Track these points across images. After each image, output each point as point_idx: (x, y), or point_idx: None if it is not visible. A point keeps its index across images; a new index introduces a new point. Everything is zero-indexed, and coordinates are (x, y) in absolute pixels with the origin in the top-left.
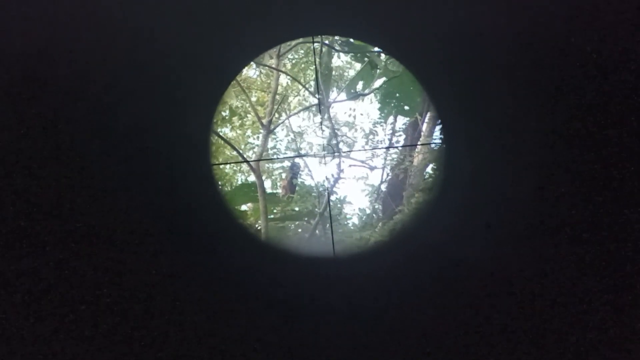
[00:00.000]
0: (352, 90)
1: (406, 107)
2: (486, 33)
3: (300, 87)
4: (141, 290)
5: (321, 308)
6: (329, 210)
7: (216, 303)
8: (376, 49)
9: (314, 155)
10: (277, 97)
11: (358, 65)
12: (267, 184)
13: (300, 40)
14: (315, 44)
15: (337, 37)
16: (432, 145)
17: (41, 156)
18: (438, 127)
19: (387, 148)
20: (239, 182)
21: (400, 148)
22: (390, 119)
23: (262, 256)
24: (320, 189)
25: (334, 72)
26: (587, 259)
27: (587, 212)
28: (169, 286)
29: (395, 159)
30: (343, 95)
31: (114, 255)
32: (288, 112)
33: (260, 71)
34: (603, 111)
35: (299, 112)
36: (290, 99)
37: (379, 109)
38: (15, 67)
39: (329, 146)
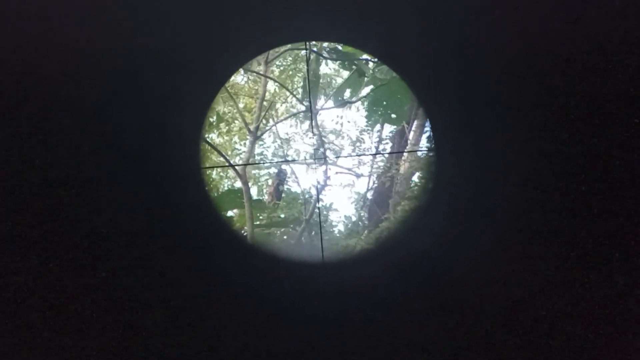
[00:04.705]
0: (339, 98)
1: (393, 115)
2: (478, 41)
3: (287, 93)
4: (130, 292)
5: (310, 312)
6: (319, 215)
7: (206, 306)
8: (364, 56)
9: (301, 162)
10: (265, 103)
11: (346, 73)
12: (254, 191)
13: (289, 46)
14: (303, 51)
15: (325, 45)
16: (420, 153)
17: (30, 159)
18: (425, 136)
19: (374, 155)
20: (226, 188)
21: (386, 156)
22: (377, 126)
23: (252, 260)
24: (307, 195)
25: (321, 80)
26: (577, 266)
27: (577, 219)
28: (158, 288)
29: (381, 167)
30: (330, 103)
31: (103, 257)
32: (275, 119)
33: (248, 77)
34: (594, 119)
35: (286, 118)
36: (278, 105)
37: (366, 116)
38: (6, 68)
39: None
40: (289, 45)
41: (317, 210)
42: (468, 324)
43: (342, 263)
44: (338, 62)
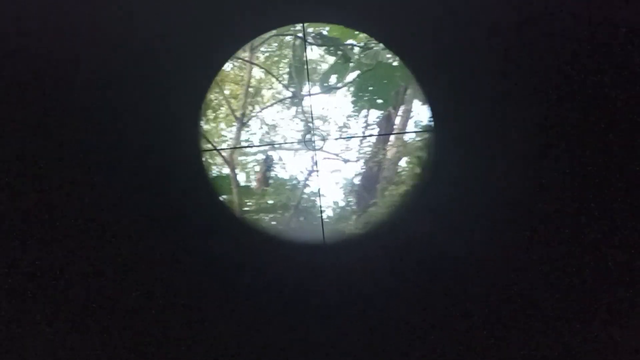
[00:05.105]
0: (325, 84)
1: (379, 101)
2: (479, 22)
3: (273, 79)
4: (132, 277)
5: (310, 295)
6: (319, 195)
7: (208, 291)
8: (350, 41)
9: (289, 148)
10: (251, 89)
11: (331, 59)
12: (241, 177)
13: (274, 32)
14: (288, 37)
15: (310, 30)
16: (407, 139)
17: (30, 149)
18: (412, 120)
19: (363, 137)
20: (213, 175)
21: (373, 141)
22: (364, 112)
23: (254, 243)
24: (294, 181)
25: (307, 65)
26: (576, 252)
27: (577, 205)
28: (160, 272)
29: (368, 152)
30: (316, 89)
31: (104, 244)
32: (261, 105)
33: (234, 64)
34: (595, 104)
35: (272, 105)
36: (264, 91)
37: (353, 102)
38: (2, 63)
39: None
40: (274, 31)
41: (304, 196)
42: (467, 306)
43: (345, 243)
44: (323, 47)
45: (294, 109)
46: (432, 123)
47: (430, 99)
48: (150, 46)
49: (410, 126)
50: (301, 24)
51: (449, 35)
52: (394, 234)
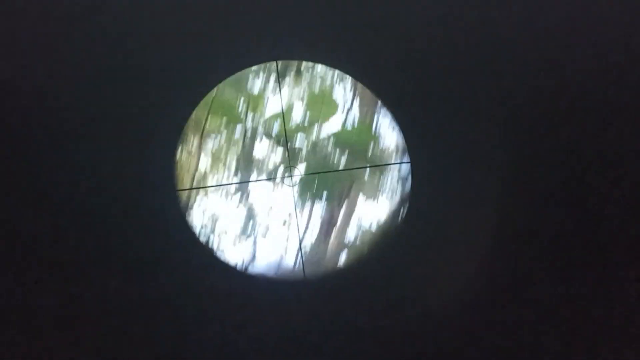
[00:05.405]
0: (272, 176)
1: (324, 197)
2: (453, 62)
3: (220, 168)
4: (110, 316)
5: (292, 330)
6: (297, 227)
7: (187, 328)
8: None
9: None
10: (197, 176)
11: (280, 153)
12: None
13: (225, 119)
14: (238, 127)
15: (261, 121)
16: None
17: (4, 186)
18: (355, 217)
19: (305, 231)
20: None
21: (314, 237)
22: (307, 207)
23: (231, 280)
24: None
25: (255, 157)
26: (562, 287)
27: (559, 247)
28: (138, 312)
29: (309, 245)
30: (262, 181)
31: (79, 283)
32: (206, 192)
33: (181, 151)
34: (571, 131)
35: (217, 193)
36: (209, 179)
37: (298, 196)
38: None
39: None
40: (224, 119)
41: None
42: (449, 341)
43: (325, 278)
44: (272, 141)
45: (237, 199)
46: (407, 156)
47: (404, 132)
48: (128, 83)
49: (354, 223)
50: (274, 62)
51: (427, 75)
52: (372, 271)
